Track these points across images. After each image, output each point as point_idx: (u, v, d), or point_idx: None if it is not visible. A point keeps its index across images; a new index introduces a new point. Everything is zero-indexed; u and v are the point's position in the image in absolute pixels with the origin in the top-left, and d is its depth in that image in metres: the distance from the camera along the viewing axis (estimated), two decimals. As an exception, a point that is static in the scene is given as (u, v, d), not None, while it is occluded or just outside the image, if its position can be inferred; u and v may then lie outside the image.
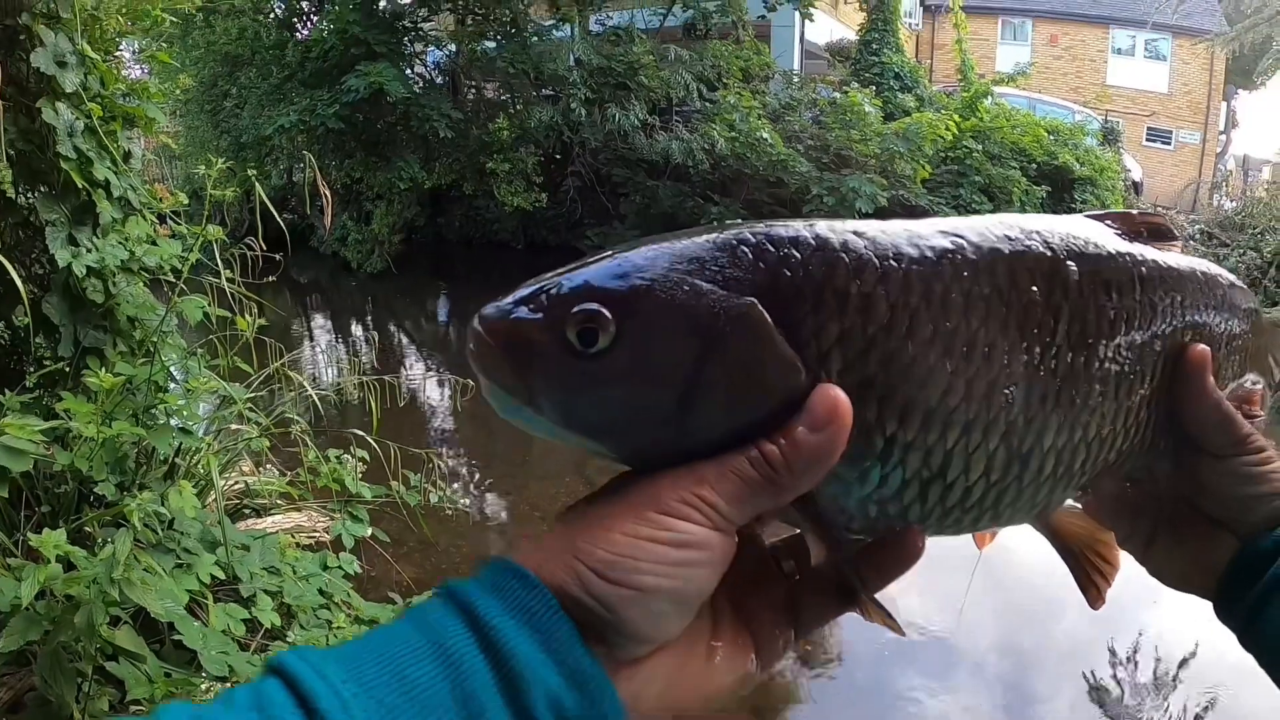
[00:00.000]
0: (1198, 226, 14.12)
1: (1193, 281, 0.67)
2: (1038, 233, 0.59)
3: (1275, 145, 22.55)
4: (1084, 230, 0.62)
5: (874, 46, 17.05)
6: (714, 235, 0.52)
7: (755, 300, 0.49)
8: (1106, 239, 0.63)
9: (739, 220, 0.55)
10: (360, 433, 3.51)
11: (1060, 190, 13.45)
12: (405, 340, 10.66)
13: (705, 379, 0.49)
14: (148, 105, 2.85)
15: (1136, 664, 3.95)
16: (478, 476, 6.11)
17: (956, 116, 13.20)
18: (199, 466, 2.91)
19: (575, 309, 0.49)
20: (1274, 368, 0.82)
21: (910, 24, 21.96)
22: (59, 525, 2.25)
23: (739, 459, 0.49)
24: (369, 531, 2.99)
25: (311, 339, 10.16)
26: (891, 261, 0.53)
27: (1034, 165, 13.39)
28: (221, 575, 2.44)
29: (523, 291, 0.51)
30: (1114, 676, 3.89)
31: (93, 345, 2.66)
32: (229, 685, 2.14)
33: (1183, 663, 3.80)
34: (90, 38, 2.70)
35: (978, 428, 0.55)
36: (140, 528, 2.11)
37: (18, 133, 2.56)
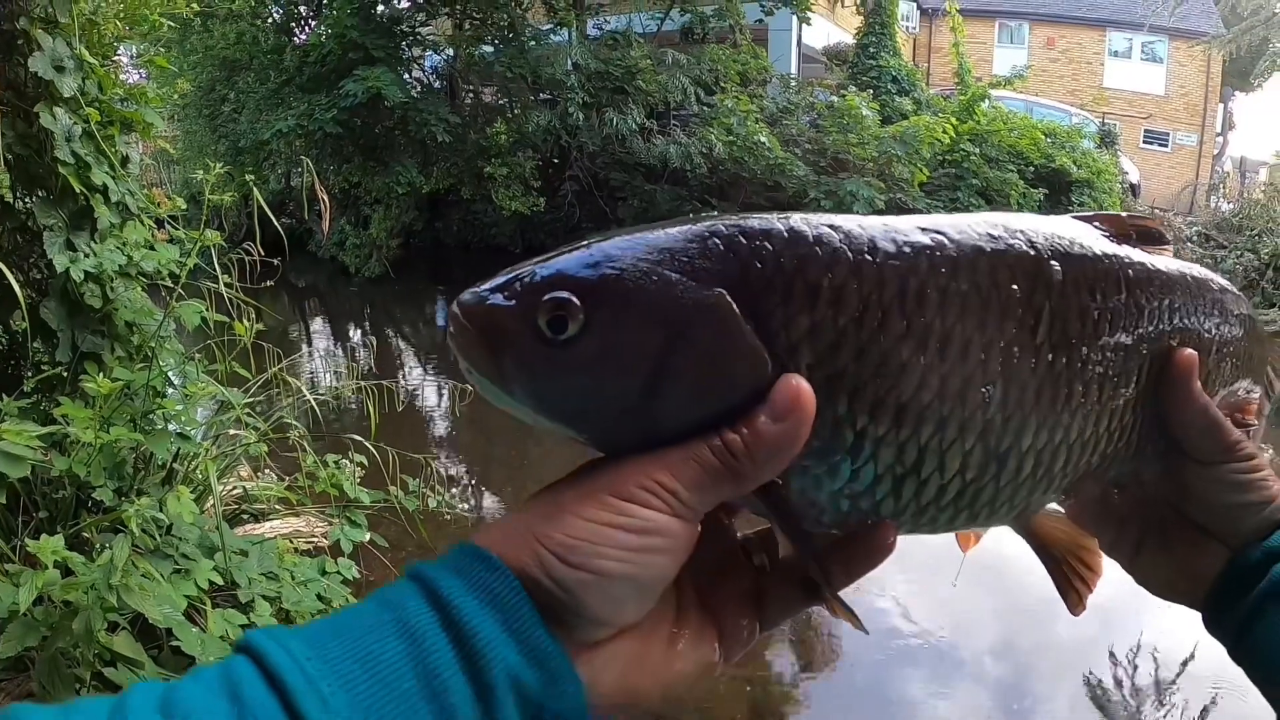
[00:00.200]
0: (1195, 228, 14.12)
1: (1181, 285, 0.66)
2: (1021, 232, 0.58)
3: (1272, 147, 22.61)
4: (1070, 231, 0.61)
5: (871, 50, 17.06)
6: (688, 227, 0.53)
7: (724, 291, 0.50)
8: (1093, 240, 0.62)
9: (715, 213, 0.55)
10: (358, 437, 3.51)
11: (1058, 193, 13.46)
12: (403, 345, 10.65)
13: (673, 367, 0.49)
14: (145, 110, 2.85)
15: (1136, 665, 3.95)
16: (476, 481, 6.11)
17: (954, 120, 13.21)
18: (197, 472, 2.91)
19: (546, 297, 0.50)
20: (1271, 376, 0.80)
21: (907, 27, 21.98)
22: (57, 531, 2.24)
23: (701, 446, 0.49)
24: (367, 536, 2.99)
25: (309, 344, 10.15)
26: (866, 256, 0.53)
27: (1031, 168, 13.40)
28: (220, 581, 2.44)
29: (499, 279, 0.52)
30: (1114, 678, 3.89)
31: (90, 350, 2.66)
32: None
33: (1184, 664, 3.80)
34: (88, 42, 2.70)
35: (952, 425, 0.54)
36: (138, 533, 2.11)
37: (15, 137, 2.56)
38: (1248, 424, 0.73)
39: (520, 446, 5.76)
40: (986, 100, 14.12)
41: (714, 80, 13.46)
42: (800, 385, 0.50)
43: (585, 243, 0.53)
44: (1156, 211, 15.44)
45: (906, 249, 0.54)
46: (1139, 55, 24.15)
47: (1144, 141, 23.68)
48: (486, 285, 0.52)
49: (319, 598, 2.65)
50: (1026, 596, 4.03)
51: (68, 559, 2.00)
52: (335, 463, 3.16)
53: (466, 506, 5.17)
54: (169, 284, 2.75)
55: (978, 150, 13.09)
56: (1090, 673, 3.90)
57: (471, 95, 14.28)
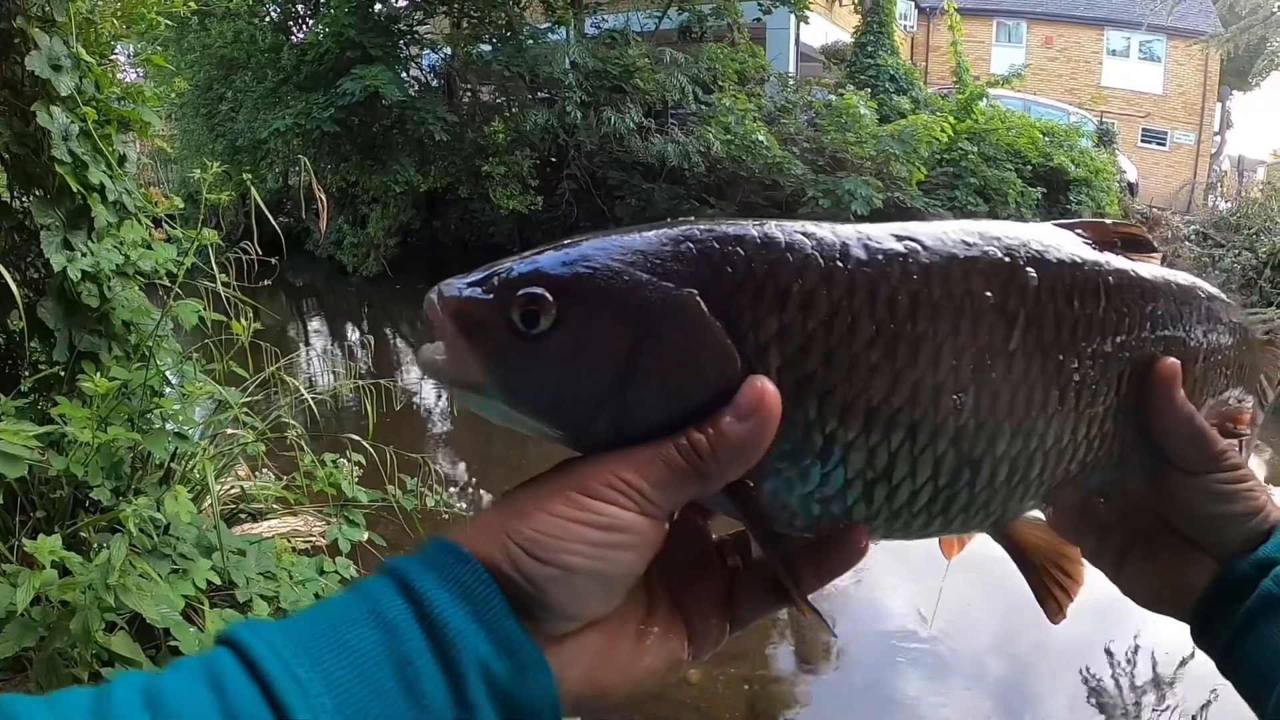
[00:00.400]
0: (1193, 227, 14.14)
1: (1165, 292, 0.65)
2: (997, 239, 0.58)
3: (1270, 146, 22.65)
4: (1049, 238, 0.61)
5: (869, 49, 17.05)
6: (664, 230, 0.54)
7: (694, 291, 0.51)
8: (1072, 247, 0.62)
9: (693, 218, 0.57)
10: (356, 437, 3.51)
11: (1055, 191, 13.48)
12: (401, 344, 10.64)
13: (642, 365, 0.50)
14: (143, 109, 2.85)
15: (1135, 663, 3.96)
16: (474, 480, 6.11)
17: (952, 118, 13.23)
18: (195, 471, 2.90)
19: (520, 292, 0.51)
20: (1265, 385, 0.79)
21: (905, 26, 21.98)
22: (54, 531, 2.24)
23: (667, 445, 0.50)
24: (365, 536, 2.98)
25: (307, 343, 10.16)
26: (838, 262, 0.53)
27: (1029, 167, 13.42)
28: (217, 580, 2.44)
29: (478, 274, 0.54)
30: (1112, 676, 3.89)
31: (88, 350, 2.65)
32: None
33: (1183, 662, 3.81)
34: (85, 41, 2.69)
35: (924, 430, 0.54)
36: (136, 533, 2.10)
37: (12, 136, 2.55)
38: (1239, 434, 0.72)
39: (519, 446, 5.75)
40: (984, 99, 14.15)
41: (712, 79, 13.47)
42: (765, 386, 0.50)
43: (565, 242, 0.54)
44: (1155, 210, 15.47)
45: (879, 256, 0.54)
46: (1137, 54, 24.17)
47: (1142, 140, 23.69)
48: (466, 279, 0.53)
49: (316, 597, 2.64)
50: (1027, 595, 4.04)
51: (65, 559, 2.00)
52: (333, 462, 3.16)
53: (464, 505, 5.16)
54: (166, 283, 2.75)
55: (976, 149, 13.11)
56: (1087, 669, 3.91)
57: (469, 94, 14.28)
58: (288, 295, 11.97)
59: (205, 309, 2.83)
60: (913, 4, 24.07)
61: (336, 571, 2.82)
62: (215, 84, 14.43)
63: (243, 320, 2.92)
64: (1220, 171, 22.75)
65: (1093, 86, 23.54)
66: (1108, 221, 0.66)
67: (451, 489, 5.38)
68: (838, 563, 0.57)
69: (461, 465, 6.41)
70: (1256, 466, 6.46)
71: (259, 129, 12.82)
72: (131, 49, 4.99)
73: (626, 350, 0.50)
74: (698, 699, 3.58)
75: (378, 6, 13.15)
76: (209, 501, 2.72)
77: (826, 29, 19.38)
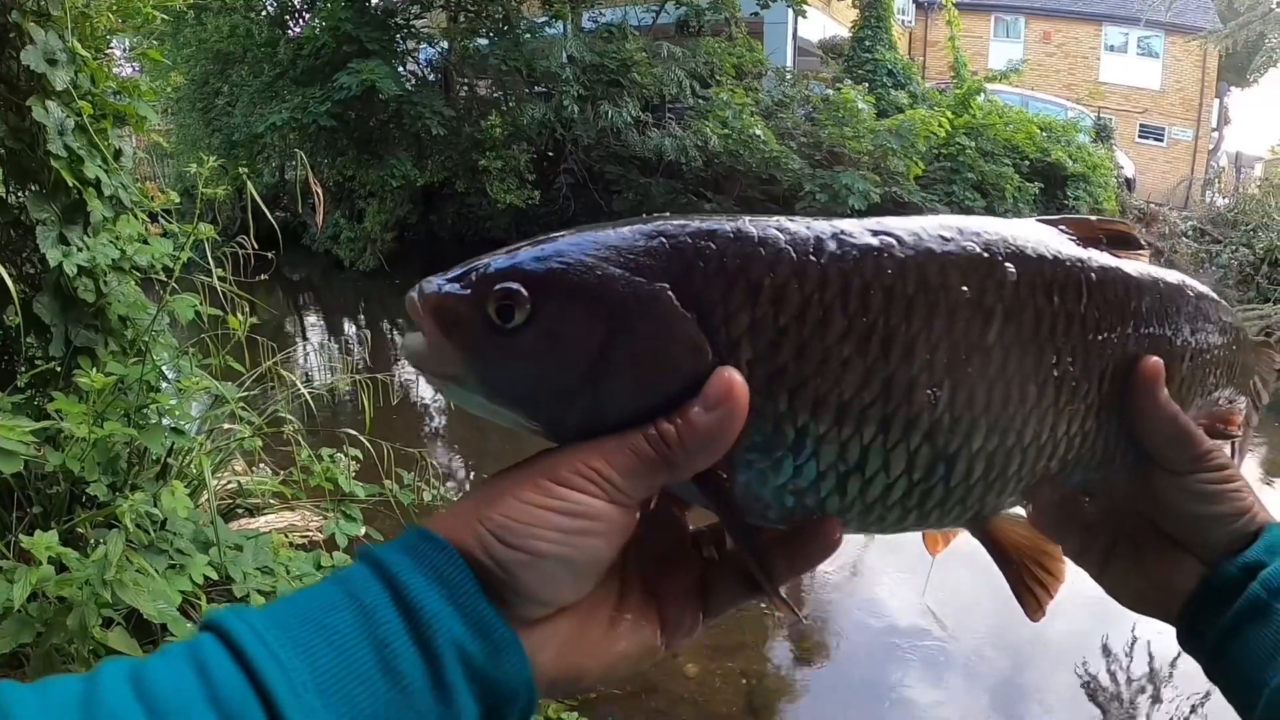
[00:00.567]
0: (1190, 223, 14.16)
1: (1151, 291, 0.65)
2: (976, 234, 0.58)
3: (1268, 142, 22.71)
4: (1030, 234, 0.61)
5: (867, 43, 17.04)
6: (638, 225, 0.55)
7: (666, 285, 0.52)
8: (1054, 243, 0.61)
9: (668, 214, 0.57)
10: (353, 431, 3.51)
11: (1053, 187, 13.49)
12: (398, 338, 10.63)
13: (614, 357, 0.52)
14: (139, 103, 2.84)
15: (1131, 658, 3.97)
16: (471, 474, 6.11)
17: (949, 113, 13.23)
18: (191, 466, 2.90)
19: (496, 287, 0.53)
20: (1259, 386, 0.79)
21: (903, 21, 21.96)
22: (51, 527, 2.23)
23: (636, 435, 0.51)
24: (362, 530, 2.98)
25: (304, 337, 10.14)
26: (811, 256, 0.54)
27: (1027, 162, 13.42)
28: (214, 576, 2.44)
29: (458, 269, 0.55)
30: (1109, 671, 3.91)
31: (84, 345, 2.65)
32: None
33: (1177, 657, 3.82)
34: (81, 35, 2.68)
35: (897, 424, 0.55)
36: (132, 528, 2.10)
37: (8, 131, 2.54)
38: (1230, 435, 0.71)
39: (515, 441, 5.71)
40: (982, 94, 14.14)
41: (709, 73, 13.46)
42: (732, 377, 0.51)
43: (543, 238, 0.55)
44: (1152, 206, 15.47)
45: (853, 250, 0.54)
46: (1135, 50, 24.18)
47: (1140, 136, 23.73)
48: (446, 274, 0.55)
49: (314, 592, 2.64)
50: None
51: (62, 555, 2.00)
52: (330, 457, 3.16)
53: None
54: (163, 278, 2.75)
55: (973, 144, 13.11)
56: (1084, 662, 3.92)
57: (466, 88, 14.25)
58: (284, 290, 11.96)
59: (202, 304, 2.82)
60: (910, -1, 24.07)
61: (334, 566, 2.81)
62: (211, 78, 14.40)
63: (239, 315, 2.92)
64: (1218, 168, 22.77)
65: (1091, 82, 23.54)
66: (1093, 218, 0.66)
67: (448, 483, 5.37)
68: (811, 555, 0.58)
69: (458, 460, 6.41)
70: (1253, 465, 6.47)
71: (255, 123, 12.79)
72: (127, 43, 4.98)
73: (599, 343, 0.52)
74: (695, 693, 3.59)
75: (374, 0, 13.12)
76: (206, 497, 2.72)
77: (824, 23, 19.38)
